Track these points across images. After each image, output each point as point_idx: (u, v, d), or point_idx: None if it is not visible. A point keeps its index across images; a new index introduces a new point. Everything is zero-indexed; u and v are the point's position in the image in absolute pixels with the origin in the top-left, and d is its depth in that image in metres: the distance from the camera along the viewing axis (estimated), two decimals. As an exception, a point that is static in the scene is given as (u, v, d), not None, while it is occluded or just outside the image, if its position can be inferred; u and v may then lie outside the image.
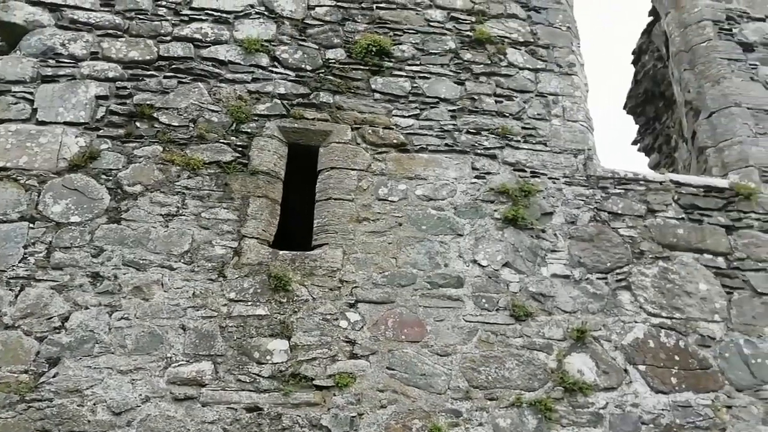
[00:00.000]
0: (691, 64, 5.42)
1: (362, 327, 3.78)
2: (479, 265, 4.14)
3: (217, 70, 4.41)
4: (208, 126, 4.21)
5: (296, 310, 3.76)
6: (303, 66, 4.55)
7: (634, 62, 6.90)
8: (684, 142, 5.91)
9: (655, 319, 4.13)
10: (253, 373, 3.53)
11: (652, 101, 6.96)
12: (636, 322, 4.11)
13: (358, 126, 4.45)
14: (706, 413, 3.84)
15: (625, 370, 3.93)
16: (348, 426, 3.47)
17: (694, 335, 4.11)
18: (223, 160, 4.12)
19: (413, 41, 4.84)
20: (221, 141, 4.18)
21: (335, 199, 4.15)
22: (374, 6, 4.90)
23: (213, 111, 4.27)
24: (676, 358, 4.00)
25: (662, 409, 3.82)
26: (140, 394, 3.39)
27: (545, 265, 4.23)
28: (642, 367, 3.94)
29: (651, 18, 6.23)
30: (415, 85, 4.68)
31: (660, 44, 6.15)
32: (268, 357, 3.58)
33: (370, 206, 4.21)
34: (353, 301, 3.85)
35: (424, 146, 4.48)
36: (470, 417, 3.62)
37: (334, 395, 3.54)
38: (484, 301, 4.01)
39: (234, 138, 4.21)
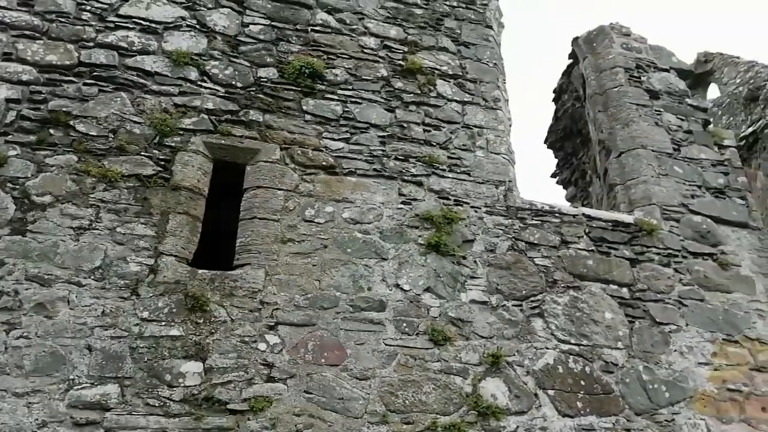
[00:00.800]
0: (605, 107, 5.83)
1: (281, 350, 3.73)
2: (402, 289, 4.21)
3: (142, 81, 4.28)
4: (129, 137, 4.06)
5: (213, 331, 3.66)
6: (233, 83, 4.50)
7: (555, 100, 7.34)
8: (597, 178, 6.31)
9: (565, 346, 4.34)
10: (164, 397, 3.38)
11: (570, 138, 7.41)
12: (547, 348, 4.30)
13: (288, 146, 4.44)
14: (608, 436, 4.05)
15: (536, 395, 4.09)
16: (260, 452, 3.39)
17: (599, 361, 4.35)
18: (144, 173, 3.98)
19: (346, 66, 4.92)
20: (142, 154, 4.04)
21: (260, 218, 4.11)
22: (309, 29, 4.95)
23: (135, 122, 4.13)
24: (582, 383, 4.22)
25: (568, 433, 4.00)
26: (36, 419, 3.17)
27: (465, 291, 4.35)
28: (551, 392, 4.12)
29: (571, 60, 6.66)
30: (346, 109, 4.74)
31: (578, 85, 6.58)
32: (180, 380, 3.45)
33: (295, 227, 4.19)
34: (273, 323, 3.80)
35: (353, 170, 4.54)
36: (385, 441, 3.64)
37: (249, 419, 3.46)
38: (405, 325, 4.06)
39: (156, 151, 4.09)
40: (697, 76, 10.96)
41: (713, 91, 10.92)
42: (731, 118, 8.71)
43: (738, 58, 9.95)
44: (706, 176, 5.57)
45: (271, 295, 3.88)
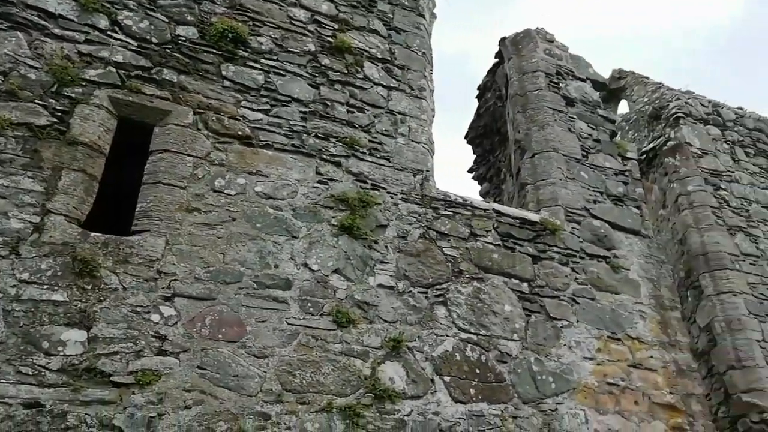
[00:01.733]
0: (524, 108, 6.03)
1: (176, 323, 3.56)
2: (310, 269, 4.15)
3: (43, 23, 3.90)
4: (22, 82, 3.70)
5: (102, 298, 3.42)
6: (148, 37, 4.22)
7: (478, 97, 7.52)
8: (511, 176, 6.54)
9: (464, 334, 4.47)
10: (39, 366, 3.13)
11: (489, 135, 7.63)
12: (447, 336, 4.41)
13: (202, 111, 4.23)
14: (496, 422, 4.23)
15: (432, 380, 4.19)
16: (144, 427, 3.23)
17: (495, 351, 4.52)
18: (36, 123, 3.64)
19: (273, 36, 4.75)
20: (37, 102, 3.70)
21: (165, 183, 3.88)
22: (236, -9, 4.72)
23: (31, 67, 3.77)
24: (477, 371, 4.37)
25: (459, 418, 4.12)
26: None
27: (373, 275, 4.37)
28: (447, 378, 4.23)
29: (497, 60, 6.84)
30: (269, 79, 4.58)
31: (501, 85, 6.77)
32: (59, 348, 3.21)
33: (203, 196, 4.01)
34: (170, 295, 3.62)
35: (270, 143, 4.40)
36: (279, 420, 3.58)
37: (133, 393, 3.28)
38: (309, 305, 4.02)
39: (53, 101, 3.75)
40: (611, 91, 11.62)
41: (624, 107, 11.64)
42: (636, 134, 9.32)
43: (648, 78, 10.65)
44: (609, 184, 5.93)
45: (170, 265, 3.69)
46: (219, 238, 3.93)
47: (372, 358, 4.06)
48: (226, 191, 4.09)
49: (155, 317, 3.52)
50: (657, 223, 8.18)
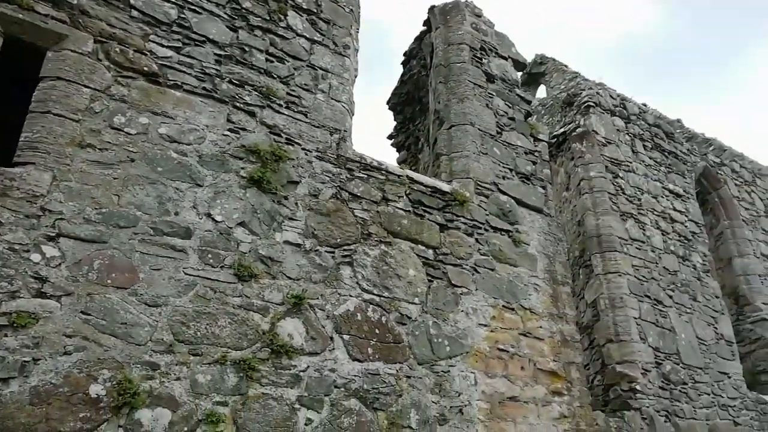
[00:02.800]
0: (446, 79, 6.08)
1: (60, 264, 3.32)
2: (213, 219, 4.00)
3: None
4: None
5: (-27, 232, 3.11)
6: (45, -51, 3.78)
7: (404, 64, 7.50)
8: (428, 146, 6.62)
9: (367, 295, 4.53)
10: None
11: (411, 103, 7.65)
12: (351, 296, 4.45)
13: (105, 40, 3.89)
14: (390, 381, 4.35)
15: (332, 338, 4.22)
16: (16, 371, 3.01)
17: (396, 313, 4.62)
18: None
19: (191, -32, 4.42)
20: None
21: (56, 114, 3.56)
22: None
23: None
24: (377, 331, 4.45)
25: (355, 375, 4.20)
26: None
27: (280, 231, 4.29)
28: (346, 337, 4.28)
29: (425, 28, 6.81)
30: (182, 15, 4.29)
31: (427, 54, 6.78)
32: None
33: (99, 133, 3.72)
34: (54, 234, 3.35)
35: (179, 83, 4.15)
36: (168, 371, 3.47)
37: (6, 336, 3.04)
38: (210, 256, 3.88)
39: (-76, 5, 3.29)
40: (532, 75, 12.02)
41: (542, 92, 12.10)
42: (551, 118, 9.72)
43: (567, 67, 11.11)
44: (518, 162, 6.15)
45: (57, 203, 3.41)
46: (114, 178, 3.68)
47: (272, 313, 4.02)
48: (125, 129, 3.82)
49: (36, 257, 3.25)
50: (560, 204, 8.66)
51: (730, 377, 7.94)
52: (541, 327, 5.51)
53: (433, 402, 4.51)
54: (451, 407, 4.59)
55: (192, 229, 3.87)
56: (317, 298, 4.26)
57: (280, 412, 3.79)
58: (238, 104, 4.39)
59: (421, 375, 4.55)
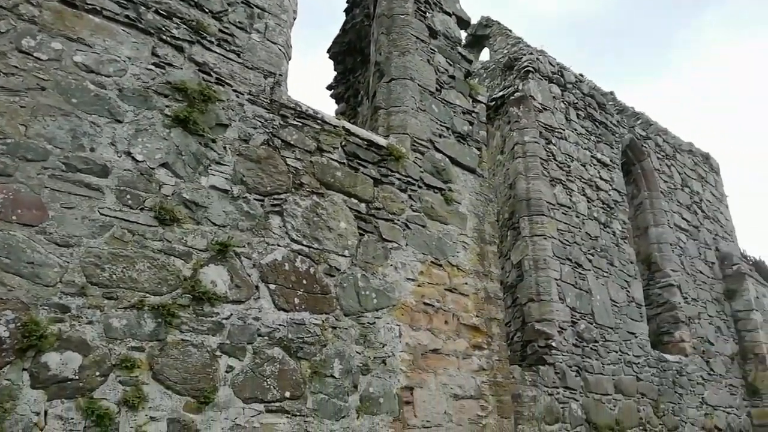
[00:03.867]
0: (388, 31, 5.95)
1: (-44, 196, 3.04)
2: (133, 158, 3.77)
3: None
4: None
5: None
6: None
7: (347, 11, 7.26)
8: (367, 99, 6.50)
9: (296, 246, 4.47)
10: None
11: (352, 54, 7.46)
12: (279, 245, 4.37)
13: (11, -49, 3.49)
14: (315, 331, 4.36)
15: (257, 287, 4.15)
16: None
17: (324, 265, 4.60)
18: None
19: None
20: None
21: (-48, 30, 3.19)
22: None
23: None
24: (304, 282, 4.42)
25: (280, 325, 4.17)
26: None
27: (207, 175, 4.12)
28: (273, 286, 4.23)
29: (371, -24, 6.59)
30: (104, -67, 3.91)
31: (370, 3, 6.58)
32: None
33: (5, 55, 3.38)
34: (-51, 163, 3.06)
35: (99, 8, 3.82)
36: (80, 314, 3.31)
37: None
38: (129, 197, 3.68)
39: None
40: (477, 37, 12.00)
41: (486, 55, 12.13)
42: (492, 82, 9.80)
43: (511, 32, 11.15)
44: (456, 121, 6.17)
45: (-48, 129, 3.10)
46: (22, 107, 3.38)
47: (195, 259, 3.89)
48: (35, 54, 3.49)
49: (-74, 187, 2.96)
50: (493, 167, 8.83)
51: (636, 337, 8.55)
52: (466, 284, 5.66)
53: (357, 352, 4.57)
54: (374, 358, 4.67)
55: (109, 167, 3.64)
56: (244, 246, 4.16)
57: (201, 358, 3.72)
58: (164, 37, 4.10)
59: (347, 326, 4.58)
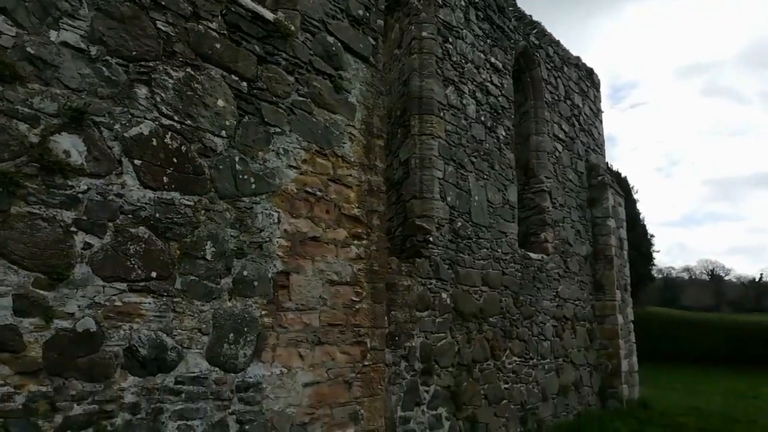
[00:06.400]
0: None
1: None
2: (-42, -3, 3.15)
3: None
4: None
5: None
6: None
7: None
8: (257, -31, 5.89)
9: (166, 121, 4.12)
10: None
11: None
12: (146, 118, 4.00)
13: None
14: (186, 212, 4.16)
15: (120, 162, 3.82)
16: None
17: (198, 144, 4.31)
18: None
19: None
20: None
21: None
22: None
23: None
24: (175, 160, 4.13)
25: (146, 203, 3.92)
26: None
27: (57, 29, 3.57)
28: (138, 162, 3.91)
29: None
30: None
31: None
32: None
33: None
34: None
35: None
36: None
37: None
38: (-46, 44, 3.11)
39: None
40: None
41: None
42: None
43: None
44: (351, 3, 5.83)
45: None
46: None
47: (44, 125, 3.46)
48: None
49: None
50: (390, 62, 8.63)
51: (507, 236, 9.23)
52: (351, 175, 5.65)
53: (232, 236, 4.47)
54: (251, 242, 4.60)
55: (-76, 3, 3.02)
56: (104, 116, 3.75)
57: (52, 233, 3.42)
58: None
59: (221, 209, 4.42)
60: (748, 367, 23.26)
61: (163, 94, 4.11)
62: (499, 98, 9.48)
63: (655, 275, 38.70)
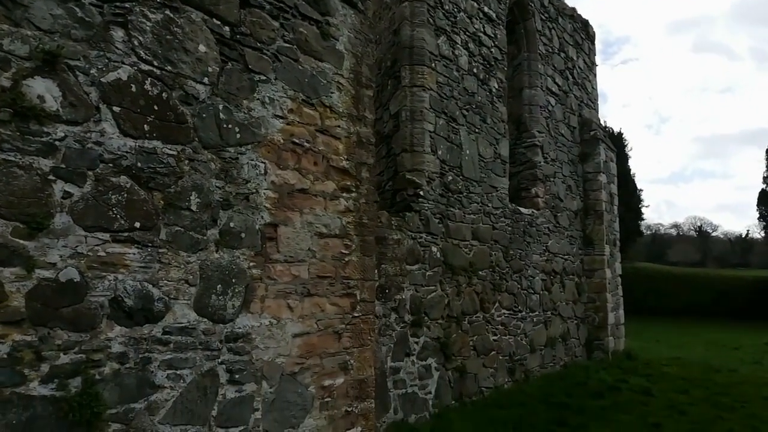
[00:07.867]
0: None
1: None
2: None
3: None
4: None
5: None
6: None
7: None
8: None
9: (145, 66, 3.96)
10: None
11: None
12: (124, 63, 3.84)
13: None
14: (169, 162, 4.06)
15: (98, 108, 3.68)
16: None
17: (180, 91, 4.17)
18: None
19: None
20: None
21: None
22: None
23: None
24: (155, 108, 4.00)
25: (127, 152, 3.81)
26: None
27: (24, -35, 3.37)
28: (117, 109, 3.77)
29: None
30: None
31: None
32: None
33: None
34: None
35: None
36: None
37: None
38: None
39: None
40: None
41: None
42: None
43: None
44: (338, -55, 5.57)
45: None
46: None
47: (15, 68, 3.30)
48: None
49: None
50: (380, 11, 8.36)
51: (498, 191, 9.19)
52: (339, 126, 5.53)
53: (217, 187, 4.38)
54: (237, 194, 4.52)
55: None
56: (79, 59, 3.59)
57: (30, 182, 3.32)
58: None
59: (206, 159, 4.32)
60: (732, 320, 23.86)
61: (141, 38, 3.94)
62: (492, 49, 9.26)
63: (644, 231, 39.17)
